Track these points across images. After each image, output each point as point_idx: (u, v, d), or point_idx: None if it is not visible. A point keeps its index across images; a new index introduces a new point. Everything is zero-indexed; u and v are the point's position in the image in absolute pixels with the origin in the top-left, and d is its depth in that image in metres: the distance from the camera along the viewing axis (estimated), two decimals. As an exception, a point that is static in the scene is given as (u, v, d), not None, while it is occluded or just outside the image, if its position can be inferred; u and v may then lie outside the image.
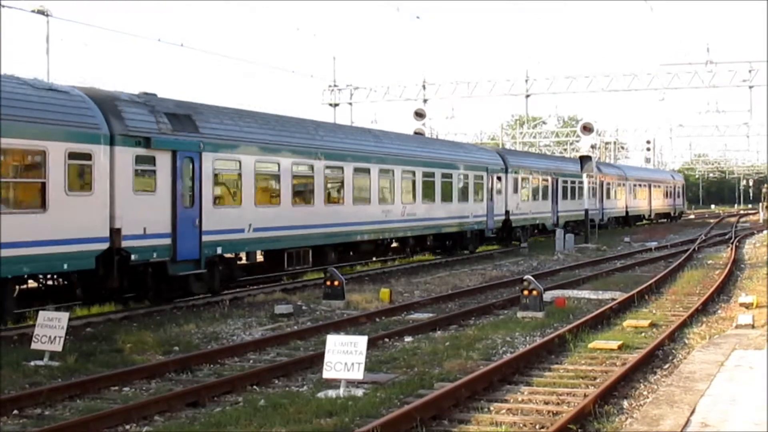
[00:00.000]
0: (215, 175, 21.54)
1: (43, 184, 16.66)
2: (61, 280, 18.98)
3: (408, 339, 16.68)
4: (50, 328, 14.08)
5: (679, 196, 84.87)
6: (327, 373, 12.11)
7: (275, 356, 15.17)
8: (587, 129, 47.23)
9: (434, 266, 32.37)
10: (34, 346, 14.15)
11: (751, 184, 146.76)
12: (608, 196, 59.52)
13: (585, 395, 11.72)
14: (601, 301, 21.87)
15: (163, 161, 19.72)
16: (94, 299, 19.81)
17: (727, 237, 51.10)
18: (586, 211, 46.96)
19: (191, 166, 20.54)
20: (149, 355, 15.04)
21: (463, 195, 36.02)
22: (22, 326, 17.04)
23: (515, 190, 41.84)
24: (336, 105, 56.34)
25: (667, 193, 79.77)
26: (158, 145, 19.52)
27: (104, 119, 18.39)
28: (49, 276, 18.55)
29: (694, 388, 11.29)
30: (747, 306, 20.07)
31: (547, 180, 46.60)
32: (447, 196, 34.58)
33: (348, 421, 10.60)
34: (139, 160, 19.09)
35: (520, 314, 19.22)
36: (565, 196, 49.35)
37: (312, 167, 25.66)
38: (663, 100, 56.07)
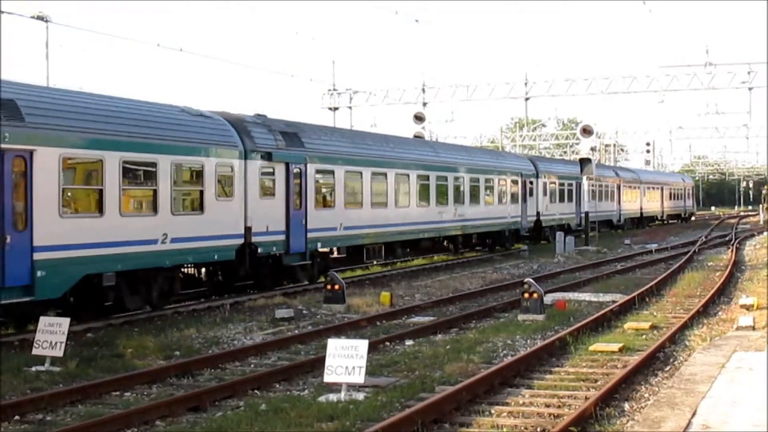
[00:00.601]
0: (316, 183, 25.78)
1: (201, 192, 20.83)
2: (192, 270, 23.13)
3: (409, 342, 16.68)
4: (51, 334, 14.09)
5: (689, 198, 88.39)
6: (328, 377, 12.11)
7: (276, 360, 15.17)
8: (587, 131, 47.26)
9: (435, 269, 32.37)
10: (35, 351, 14.15)
11: (751, 185, 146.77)
12: (625, 198, 63.15)
13: (586, 398, 11.72)
14: (602, 303, 21.88)
15: (280, 171, 23.88)
16: (223, 287, 23.73)
17: (727, 239, 51.11)
18: (587, 213, 47.02)
19: (299, 175, 24.68)
20: (150, 360, 15.03)
21: (502, 198, 40.24)
22: (24, 331, 17.04)
23: (545, 193, 45.79)
24: (335, 109, 56.36)
25: (678, 195, 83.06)
26: (277, 158, 23.68)
27: (239, 138, 22.58)
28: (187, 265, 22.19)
29: (695, 390, 11.30)
30: (747, 308, 20.08)
31: (572, 184, 50.10)
32: (490, 199, 38.92)
33: (349, 424, 10.61)
34: (263, 170, 23.21)
35: (520, 317, 19.22)
36: (588, 199, 51.54)
37: (385, 175, 29.65)
38: (662, 102, 56.04)
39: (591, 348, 15.48)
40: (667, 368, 13.97)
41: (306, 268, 25.31)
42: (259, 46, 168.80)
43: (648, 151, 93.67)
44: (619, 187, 61.74)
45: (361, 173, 28.12)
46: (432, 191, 33.05)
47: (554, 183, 47.47)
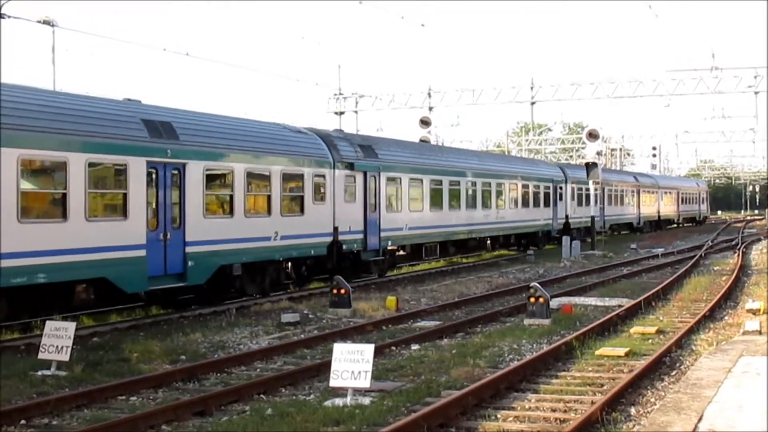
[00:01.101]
0: (387, 189, 29.60)
1: (302, 197, 24.75)
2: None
3: (415, 347, 16.67)
4: (57, 338, 14.11)
5: (703, 202, 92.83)
6: (334, 382, 12.11)
7: (282, 365, 15.17)
8: (593, 136, 47.27)
9: (440, 274, 32.37)
10: (41, 355, 14.17)
11: (757, 189, 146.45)
12: (644, 203, 67.93)
13: (592, 402, 11.70)
14: (608, 307, 21.85)
15: (359, 179, 27.91)
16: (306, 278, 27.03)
17: (733, 243, 50.99)
18: (592, 218, 47.03)
19: (374, 182, 28.68)
20: (156, 364, 15.04)
21: (537, 202, 44.79)
22: (29, 336, 17.08)
23: (572, 198, 50.52)
24: (341, 113, 56.45)
25: (692, 199, 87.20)
26: (357, 167, 27.70)
27: (328, 151, 26.47)
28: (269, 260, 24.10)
29: (702, 395, 11.26)
30: (754, 312, 20.02)
31: (597, 189, 53.08)
32: (526, 203, 43.20)
33: (355, 429, 10.61)
34: (346, 178, 27.10)
35: (526, 321, 19.20)
36: (609, 203, 58.18)
37: (441, 182, 33.74)
38: (668, 106, 56.43)
39: (597, 352, 15.46)
40: (674, 373, 13.94)
41: (379, 263, 29.39)
42: (265, 50, 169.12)
43: (654, 156, 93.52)
44: (638, 192, 66.26)
45: (422, 180, 32.25)
46: (479, 196, 37.36)
47: (581, 188, 51.43)
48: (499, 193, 39.79)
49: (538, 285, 19.99)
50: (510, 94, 54.96)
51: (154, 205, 19.59)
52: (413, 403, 11.86)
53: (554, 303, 21.00)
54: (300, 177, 24.80)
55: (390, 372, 14.17)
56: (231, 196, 21.97)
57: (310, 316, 20.80)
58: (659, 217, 73.17)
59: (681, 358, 15.15)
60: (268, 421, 11.03)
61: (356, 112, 56.86)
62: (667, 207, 76.22)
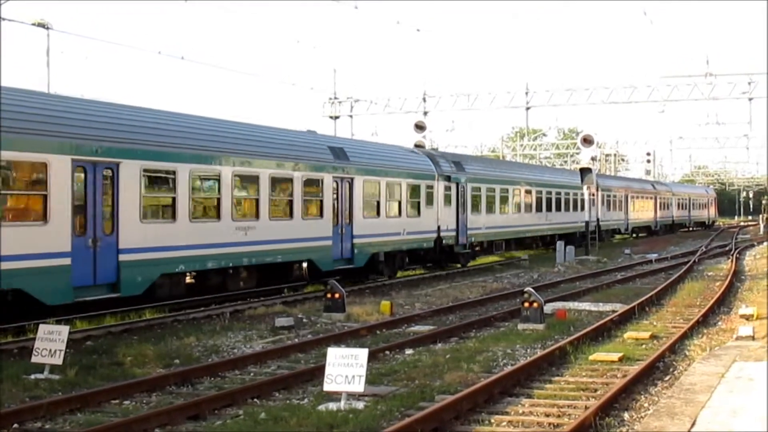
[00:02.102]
0: (471, 196, 36.90)
1: (419, 203, 32.18)
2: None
3: (409, 351, 16.67)
4: (50, 342, 14.08)
5: (711, 208, 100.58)
6: (328, 386, 12.10)
7: (276, 369, 15.16)
8: (587, 141, 47.39)
9: (435, 278, 32.38)
10: (34, 359, 14.13)
11: (751, 195, 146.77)
12: (660, 208, 75.42)
13: (586, 407, 11.71)
14: (602, 313, 21.87)
15: (453, 188, 35.12)
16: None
17: (727, 249, 51.11)
18: (587, 223, 47.14)
19: (463, 191, 35.93)
20: (149, 368, 15.02)
21: (577, 207, 51.83)
22: (23, 339, 17.04)
23: (602, 203, 57.30)
24: (336, 117, 56.44)
25: (702, 205, 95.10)
26: (452, 179, 35.07)
27: (434, 167, 34.00)
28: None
29: (695, 400, 11.29)
30: (747, 317, 20.07)
31: (622, 194, 63.28)
32: (567, 208, 50.80)
33: (349, 433, 10.59)
34: (445, 188, 34.31)
35: (520, 326, 19.22)
36: (633, 208, 66.16)
37: (508, 190, 41.56)
38: (663, 112, 56.08)
39: (591, 357, 15.47)
40: (667, 378, 13.96)
41: (465, 255, 36.42)
42: (260, 54, 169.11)
43: (648, 161, 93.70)
44: (656, 198, 73.96)
45: (495, 189, 39.76)
46: (533, 202, 45.03)
47: (611, 194, 60.03)
48: (548, 200, 47.26)
49: (532, 290, 20.01)
50: (505, 99, 55.04)
51: (335, 205, 27.02)
52: (407, 408, 11.86)
53: (548, 308, 21.01)
54: (418, 187, 32.29)
55: (384, 376, 14.16)
56: (378, 202, 29.58)
57: (305, 320, 20.79)
58: (673, 221, 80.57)
59: (674, 363, 15.17)
60: (262, 425, 11.02)
61: (351, 116, 56.86)
62: (680, 212, 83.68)
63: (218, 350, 16.87)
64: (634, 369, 14.15)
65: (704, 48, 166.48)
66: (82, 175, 18.09)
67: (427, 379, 13.85)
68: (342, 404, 11.84)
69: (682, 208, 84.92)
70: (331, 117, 56.44)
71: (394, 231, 30.29)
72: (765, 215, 74.44)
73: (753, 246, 55.04)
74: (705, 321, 20.48)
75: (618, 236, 64.64)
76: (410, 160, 32.90)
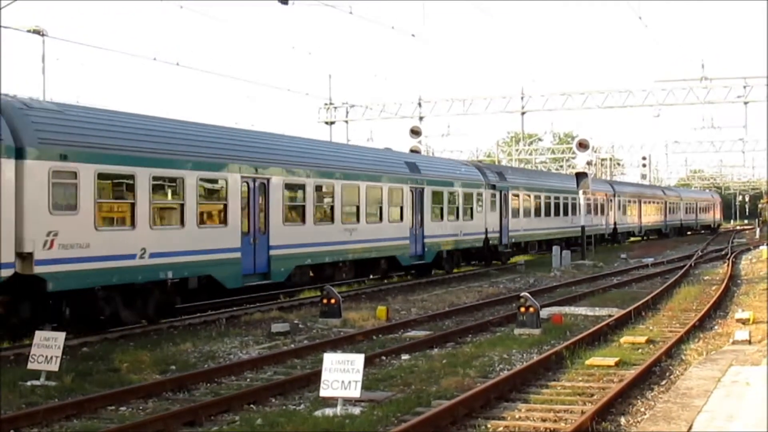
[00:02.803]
0: (512, 201, 41.83)
1: (471, 208, 36.98)
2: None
3: (405, 357, 16.66)
4: (46, 348, 14.06)
5: (717, 212, 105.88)
6: (324, 392, 12.09)
7: (272, 375, 15.15)
8: (583, 146, 47.40)
9: (430, 284, 32.37)
10: (30, 365, 14.11)
11: (747, 199, 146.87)
12: (670, 212, 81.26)
13: (582, 412, 11.71)
14: (598, 317, 21.88)
15: (497, 195, 40.05)
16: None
17: (723, 253, 51.15)
18: (583, 227, 47.17)
19: (504, 197, 40.85)
20: (146, 374, 15.00)
21: (597, 212, 57.24)
22: (19, 346, 17.01)
23: (618, 208, 63.04)
24: (332, 123, 56.46)
25: (708, 209, 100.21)
26: (497, 188, 40.13)
27: (482, 177, 39.02)
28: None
29: (691, 405, 11.29)
30: (744, 322, 20.08)
31: (636, 200, 69.14)
32: (588, 212, 52.73)
33: (345, 439, 10.58)
34: (491, 195, 39.28)
35: (517, 331, 19.21)
36: (646, 213, 72.11)
37: (540, 197, 46.72)
38: (658, 116, 56.16)
39: (587, 362, 15.47)
40: (663, 382, 13.97)
41: (506, 253, 41.40)
42: (255, 60, 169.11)
43: (644, 166, 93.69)
44: (665, 203, 79.40)
45: (530, 196, 45.17)
46: (561, 207, 50.12)
47: (627, 200, 65.94)
48: (573, 206, 51.21)
49: (528, 295, 20.01)
50: (500, 104, 55.14)
51: (412, 211, 31.86)
52: (403, 413, 11.85)
53: (544, 313, 21.01)
54: (471, 195, 37.02)
55: (380, 382, 14.16)
56: (441, 208, 34.38)
57: (300, 325, 20.77)
58: (681, 224, 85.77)
59: (671, 367, 15.18)
60: (258, 430, 11.02)
61: (347, 121, 56.89)
62: (687, 216, 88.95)
63: (214, 356, 16.85)
64: (630, 373, 14.15)
65: (699, 52, 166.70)
66: (246, 188, 22.66)
67: (423, 384, 13.85)
68: (338, 410, 11.83)
69: (690, 212, 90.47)
70: (326, 122, 56.48)
71: (453, 232, 35.46)
72: (761, 219, 75.03)
73: (749, 250, 55.10)
74: (701, 325, 20.49)
75: (633, 238, 70.59)
76: (464, 172, 37.99)
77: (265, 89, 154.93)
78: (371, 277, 32.15)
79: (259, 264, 23.16)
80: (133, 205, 18.99)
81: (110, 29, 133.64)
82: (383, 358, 16.46)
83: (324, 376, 12.13)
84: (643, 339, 18.11)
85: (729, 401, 11.50)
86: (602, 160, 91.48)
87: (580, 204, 48.79)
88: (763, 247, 48.48)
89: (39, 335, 14.33)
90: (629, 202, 66.69)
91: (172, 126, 21.56)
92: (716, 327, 20.52)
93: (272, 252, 23.61)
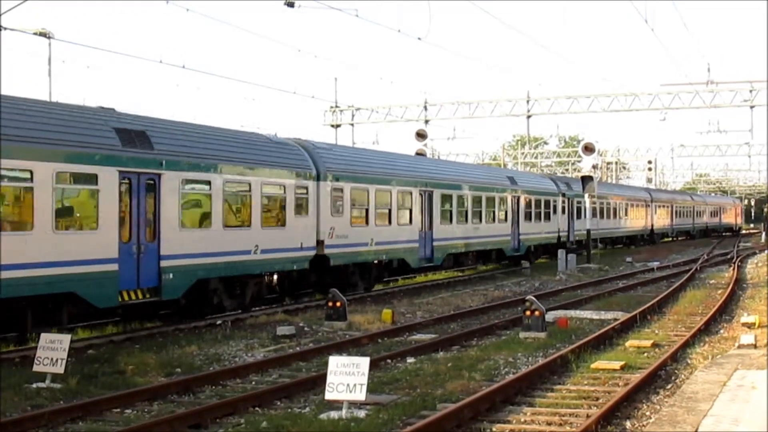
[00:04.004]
0: (576, 206, 49.33)
1: (548, 212, 44.70)
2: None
3: (410, 360, 16.66)
4: (52, 350, 14.08)
5: (738, 216, 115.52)
6: (329, 395, 12.09)
7: (277, 378, 15.15)
8: (589, 149, 47.33)
9: (436, 287, 32.37)
10: (35, 368, 14.14)
11: (752, 203, 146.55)
12: (698, 216, 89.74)
13: (587, 416, 11.70)
14: (604, 321, 21.85)
15: (566, 201, 47.87)
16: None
17: (729, 257, 51.06)
18: (588, 231, 47.07)
19: (571, 203, 48.78)
20: (151, 377, 15.02)
21: (639, 216, 67.51)
22: (24, 348, 17.04)
23: (655, 212, 72.13)
24: (338, 126, 56.45)
25: (730, 213, 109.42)
26: (566, 195, 48.08)
27: (556, 186, 47.28)
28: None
29: (697, 409, 11.28)
30: (749, 326, 20.07)
31: (669, 206, 77.84)
32: (632, 216, 65.10)
33: (350, 442, 10.57)
34: (562, 201, 47.20)
35: (522, 335, 19.20)
36: (678, 216, 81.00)
37: (595, 203, 51.86)
38: (664, 120, 55.89)
39: (593, 366, 15.46)
40: (669, 386, 13.95)
41: (572, 249, 45.85)
42: (261, 63, 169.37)
43: (650, 169, 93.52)
44: (693, 208, 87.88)
45: (596, 202, 52.09)
46: (613, 211, 59.15)
47: (662, 206, 75.15)
48: (625, 209, 61.00)
49: (533, 298, 20.00)
50: (506, 108, 55.07)
51: (512, 213, 40.08)
52: (409, 416, 11.85)
53: (550, 316, 20.99)
54: (549, 201, 45.49)
55: (385, 385, 14.15)
56: (529, 212, 41.95)
57: (306, 328, 20.78)
58: (707, 227, 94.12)
59: (676, 371, 15.16)
60: (264, 434, 11.00)
61: (352, 125, 56.88)
62: (712, 219, 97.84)
63: (220, 359, 16.86)
64: (635, 377, 14.14)
65: (705, 56, 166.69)
66: (420, 198, 32.00)
67: (428, 387, 13.84)
68: (343, 413, 11.83)
69: (714, 216, 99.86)
70: (332, 125, 56.48)
71: (538, 231, 43.81)
72: (766, 223, 75.79)
73: (755, 254, 55.00)
74: (707, 329, 20.46)
75: (666, 239, 79.52)
76: (545, 183, 47.31)
77: (271, 92, 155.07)
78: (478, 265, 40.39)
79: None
80: (367, 211, 28.49)
81: (116, 32, 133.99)
82: (389, 361, 16.46)
83: (329, 379, 12.13)
84: (648, 343, 18.08)
85: (735, 405, 11.48)
86: (608, 163, 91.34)
87: (615, 208, 59.43)
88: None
89: (44, 337, 14.35)
90: (663, 207, 75.88)
91: (480, 169, 42.74)
92: (722, 331, 20.49)
93: (435, 244, 32.87)
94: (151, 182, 19.43)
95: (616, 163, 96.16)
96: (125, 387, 13.99)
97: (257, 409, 12.70)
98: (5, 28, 27.00)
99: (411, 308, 25.29)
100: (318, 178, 25.66)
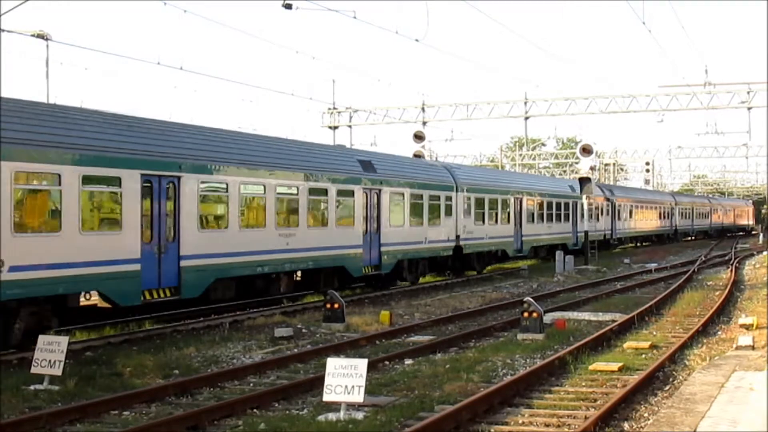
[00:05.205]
0: (618, 209, 59.14)
1: (599, 214, 54.78)
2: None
3: (408, 361, 16.66)
4: (50, 352, 14.08)
5: (750, 217, 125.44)
6: (327, 396, 12.09)
7: (275, 379, 15.15)
8: (586, 151, 47.38)
9: (434, 288, 32.37)
10: (33, 370, 14.13)
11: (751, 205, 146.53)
12: (715, 217, 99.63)
13: (586, 417, 11.71)
14: (602, 322, 21.86)
15: (610, 205, 57.31)
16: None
17: (726, 258, 51.10)
18: (586, 233, 47.14)
19: (614, 206, 58.16)
20: (149, 378, 15.01)
21: (663, 217, 77.02)
22: (22, 350, 16.99)
23: (678, 214, 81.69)
24: (335, 128, 56.43)
25: (743, 214, 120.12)
26: (609, 200, 57.53)
27: (602, 192, 56.97)
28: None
29: (695, 410, 11.28)
30: (747, 327, 20.07)
31: (690, 207, 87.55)
32: (656, 217, 74.50)
33: (348, 444, 10.57)
34: (606, 205, 56.52)
35: (520, 336, 19.21)
36: (697, 217, 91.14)
37: (633, 206, 63.98)
38: (662, 121, 55.91)
39: (590, 367, 15.47)
40: (667, 388, 13.96)
41: (614, 245, 58.60)
42: (259, 64, 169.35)
43: (648, 171, 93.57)
44: (710, 209, 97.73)
45: (629, 205, 62.98)
46: (653, 214, 72.21)
47: (684, 207, 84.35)
48: (655, 213, 72.65)
49: (531, 300, 20.01)
50: (504, 109, 55.02)
51: (574, 216, 49.92)
52: (407, 418, 11.85)
53: (548, 318, 21.00)
54: (600, 205, 54.53)
55: (383, 387, 14.15)
56: (590, 214, 50.00)
57: (304, 330, 20.77)
58: (722, 227, 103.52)
59: (674, 373, 15.17)
60: (262, 435, 11.00)
61: (350, 126, 56.86)
62: (726, 220, 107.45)
63: (218, 361, 16.86)
64: (633, 379, 14.14)
65: (703, 58, 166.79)
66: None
67: (426, 389, 13.84)
68: (341, 415, 11.84)
69: (729, 217, 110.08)
70: (330, 127, 56.44)
71: (593, 229, 51.46)
72: (764, 224, 76.56)
73: (752, 255, 55.04)
74: (705, 331, 20.48)
75: (687, 238, 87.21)
76: (560, 187, 51.79)
77: (269, 93, 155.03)
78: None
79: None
80: (483, 213, 37.94)
81: (114, 33, 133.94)
82: (386, 362, 16.46)
83: (327, 380, 12.13)
84: (646, 344, 18.09)
85: (732, 407, 11.49)
86: (606, 165, 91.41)
87: (647, 211, 69.90)
88: (766, 253, 48.48)
89: (42, 339, 14.35)
90: (685, 209, 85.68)
91: (549, 181, 55.46)
92: (720, 332, 20.50)
93: (524, 239, 42.54)
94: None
95: (614, 164, 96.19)
96: (123, 389, 13.98)
97: (255, 410, 12.69)
98: (3, 30, 26.98)
99: (409, 310, 25.29)
100: (456, 190, 35.42)
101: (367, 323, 21.52)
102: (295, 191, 24.64)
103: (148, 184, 19.29)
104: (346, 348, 18.14)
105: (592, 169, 49.60)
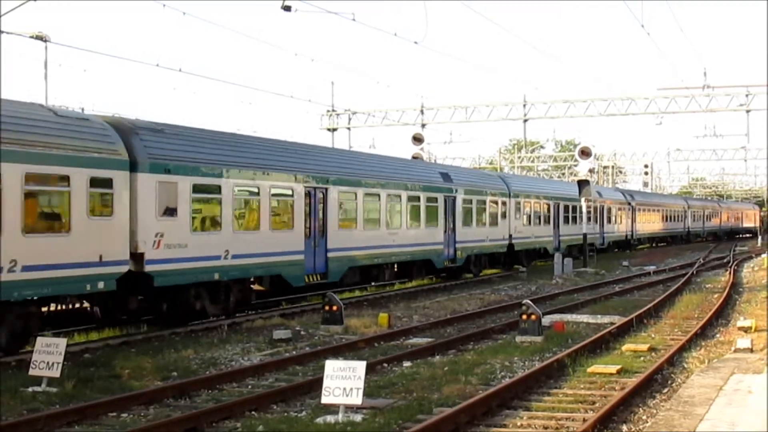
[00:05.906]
0: (640, 212, 67.18)
1: (621, 216, 62.01)
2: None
3: (407, 364, 16.65)
4: (48, 354, 14.06)
5: (758, 221, 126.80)
6: (326, 399, 12.09)
7: (274, 381, 15.15)
8: (585, 153, 47.37)
9: (433, 291, 32.37)
10: (32, 372, 14.12)
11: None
12: (724, 220, 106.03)
13: (584, 420, 11.71)
14: (600, 325, 21.86)
15: (630, 208, 63.38)
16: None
17: (725, 261, 51.11)
18: (584, 235, 47.19)
19: (634, 210, 65.33)
20: (147, 380, 15.00)
21: (679, 219, 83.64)
22: (20, 352, 17.00)
23: (690, 216, 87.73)
24: (334, 130, 56.46)
25: (750, 217, 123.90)
26: (630, 204, 64.65)
27: (624, 197, 63.78)
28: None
29: (693, 413, 11.28)
30: (745, 330, 20.06)
31: (702, 211, 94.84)
32: (669, 219, 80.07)
33: (347, 446, 10.56)
34: (627, 209, 63.92)
35: (518, 339, 19.20)
36: (708, 219, 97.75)
37: (650, 209, 70.35)
38: (660, 124, 55.98)
39: (589, 370, 15.46)
40: (665, 390, 13.96)
41: (635, 245, 64.51)
42: (258, 66, 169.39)
43: (646, 173, 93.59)
44: (720, 213, 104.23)
45: (647, 209, 69.22)
46: (666, 217, 75.92)
47: (696, 210, 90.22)
48: (670, 216, 78.85)
49: (530, 302, 20.00)
50: (503, 112, 55.06)
51: (623, 219, 62.53)
52: (405, 421, 11.84)
53: (546, 320, 21.00)
54: (620, 209, 59.49)
55: (382, 389, 14.15)
56: (620, 218, 58.80)
57: (302, 332, 20.76)
58: (731, 229, 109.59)
59: (673, 375, 15.17)
60: (260, 438, 10.99)
61: (349, 128, 56.90)
62: (735, 223, 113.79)
63: (216, 363, 16.85)
64: (632, 381, 14.14)
65: (702, 60, 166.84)
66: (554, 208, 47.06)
67: (425, 391, 13.84)
68: (340, 417, 11.83)
69: (737, 220, 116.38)
70: (328, 129, 56.47)
71: (619, 231, 60.52)
72: (763, 227, 77.03)
73: (751, 258, 55.06)
74: (703, 333, 20.48)
75: (698, 238, 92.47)
76: (617, 195, 60.24)
77: (268, 95, 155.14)
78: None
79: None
80: (529, 216, 43.79)
81: (113, 35, 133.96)
82: (385, 365, 16.46)
83: (326, 383, 12.13)
84: (645, 347, 18.10)
85: (731, 409, 11.48)
86: (604, 167, 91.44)
87: (664, 214, 75.29)
88: (764, 255, 48.50)
89: (41, 341, 14.34)
90: (696, 212, 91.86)
91: (610, 190, 64.44)
92: (718, 335, 20.51)
93: (561, 238, 48.46)
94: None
95: (613, 167, 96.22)
96: (121, 391, 13.97)
97: (253, 413, 12.69)
98: (2, 32, 26.98)
99: (407, 312, 25.28)
100: (509, 196, 40.89)
101: (365, 325, 21.52)
102: (398, 199, 30.69)
103: (309, 194, 25.48)
104: (345, 350, 18.13)
105: (591, 171, 49.58)
